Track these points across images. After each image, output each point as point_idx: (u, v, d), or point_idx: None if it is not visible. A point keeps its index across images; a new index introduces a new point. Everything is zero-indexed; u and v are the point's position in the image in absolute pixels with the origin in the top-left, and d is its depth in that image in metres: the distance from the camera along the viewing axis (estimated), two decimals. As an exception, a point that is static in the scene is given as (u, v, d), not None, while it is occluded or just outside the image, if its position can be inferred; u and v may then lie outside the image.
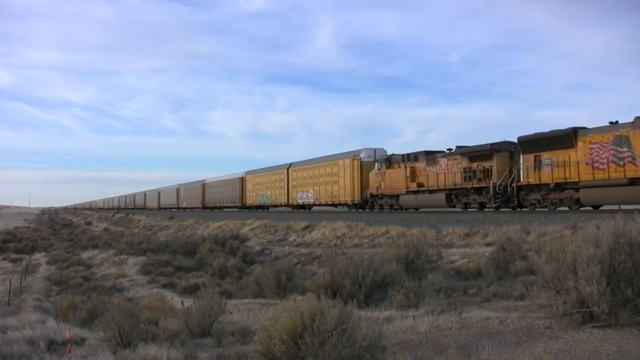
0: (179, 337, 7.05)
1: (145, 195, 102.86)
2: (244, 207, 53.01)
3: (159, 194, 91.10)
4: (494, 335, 6.34)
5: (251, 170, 53.77)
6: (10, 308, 15.37)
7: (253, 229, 30.02)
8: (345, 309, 5.59)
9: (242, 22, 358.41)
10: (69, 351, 6.79)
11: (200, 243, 24.62)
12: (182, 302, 11.19)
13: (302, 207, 41.76)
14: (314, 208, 41.44)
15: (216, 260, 19.57)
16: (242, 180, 54.01)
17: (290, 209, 43.03)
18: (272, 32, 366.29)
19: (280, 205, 45.65)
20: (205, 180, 66.92)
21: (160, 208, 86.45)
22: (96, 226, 69.92)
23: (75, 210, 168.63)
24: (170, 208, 79.85)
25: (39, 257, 30.90)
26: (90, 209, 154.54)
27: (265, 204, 48.57)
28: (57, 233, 56.07)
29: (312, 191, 39.09)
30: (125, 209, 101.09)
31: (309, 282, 11.60)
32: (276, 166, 48.05)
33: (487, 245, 14.67)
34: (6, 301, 16.84)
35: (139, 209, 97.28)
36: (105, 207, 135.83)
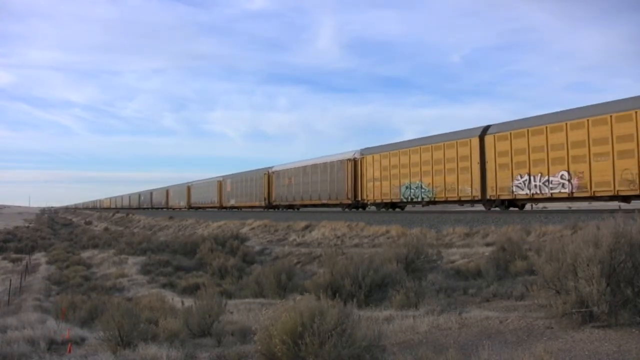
0: (179, 337, 7.06)
1: (167, 191, 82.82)
2: (357, 204, 32.99)
3: (188, 189, 70.84)
4: (494, 335, 6.33)
5: (373, 147, 31.96)
6: (10, 308, 15.36)
7: (253, 228, 30.01)
8: (345, 309, 5.59)
9: (243, 22, 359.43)
10: (69, 351, 6.78)
11: (200, 243, 24.62)
12: (182, 302, 11.20)
13: (516, 202, 23.15)
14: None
15: (216, 260, 19.59)
16: (355, 163, 32.88)
17: (484, 207, 24.43)
18: (273, 32, 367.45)
19: (456, 201, 25.56)
20: (272, 167, 46.25)
21: (190, 207, 68.05)
22: (96, 226, 69.88)
23: (75, 210, 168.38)
24: (207, 207, 61.69)
25: (39, 256, 30.93)
26: (93, 208, 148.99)
27: (413, 200, 27.67)
28: (57, 233, 56.11)
29: (562, 173, 20.40)
30: (139, 209, 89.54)
31: (309, 282, 11.59)
32: (447, 134, 26.36)
33: (487, 245, 14.66)
34: (6, 301, 16.85)
35: (157, 208, 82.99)
36: (112, 206, 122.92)
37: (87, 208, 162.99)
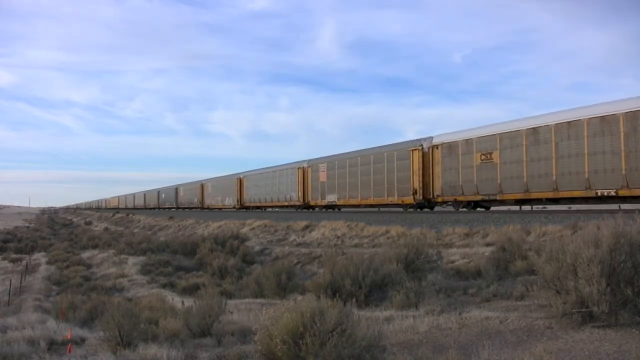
0: (179, 337, 7.05)
1: (202, 186, 61.96)
2: None
3: (240, 182, 49.88)
4: (494, 335, 6.33)
5: None
6: (10, 308, 15.36)
7: (253, 228, 29.99)
8: (345, 309, 5.59)
9: (245, 22, 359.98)
10: (69, 351, 6.78)
11: (200, 243, 24.63)
12: (182, 302, 11.19)
13: None
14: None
15: (216, 260, 19.58)
16: None
17: None
18: (275, 32, 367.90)
19: None
20: (431, 137, 27.21)
21: (242, 206, 48.95)
22: (96, 226, 69.86)
23: (75, 210, 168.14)
24: (276, 207, 43.16)
25: (39, 257, 30.94)
26: (97, 208, 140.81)
27: None
28: (57, 233, 56.08)
29: None
30: (158, 209, 76.21)
31: (309, 282, 11.59)
32: None
33: (487, 245, 14.66)
34: (6, 301, 16.85)
35: (183, 208, 66.76)
36: (122, 206, 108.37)
37: (89, 208, 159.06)
